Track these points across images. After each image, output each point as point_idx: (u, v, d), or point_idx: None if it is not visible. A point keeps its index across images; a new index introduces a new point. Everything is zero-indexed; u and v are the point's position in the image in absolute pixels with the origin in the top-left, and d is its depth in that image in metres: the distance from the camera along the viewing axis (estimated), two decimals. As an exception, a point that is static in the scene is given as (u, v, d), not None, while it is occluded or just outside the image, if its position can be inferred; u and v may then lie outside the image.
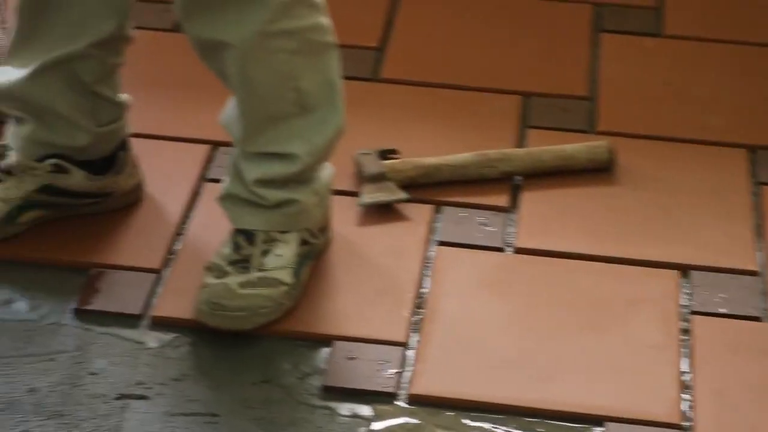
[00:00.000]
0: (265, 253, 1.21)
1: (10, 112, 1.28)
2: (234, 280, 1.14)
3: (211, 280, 1.18)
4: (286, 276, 1.19)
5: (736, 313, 1.19)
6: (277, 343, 1.14)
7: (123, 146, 1.26)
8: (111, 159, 1.25)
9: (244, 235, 1.22)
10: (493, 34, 1.73)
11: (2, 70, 1.27)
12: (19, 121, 1.26)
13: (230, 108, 1.19)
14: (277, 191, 1.19)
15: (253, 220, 1.20)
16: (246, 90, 1.15)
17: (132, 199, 1.30)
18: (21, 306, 1.19)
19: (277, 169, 1.19)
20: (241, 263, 1.20)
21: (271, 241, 1.22)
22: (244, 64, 1.12)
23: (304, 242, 1.23)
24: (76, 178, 1.23)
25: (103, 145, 1.26)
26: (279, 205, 1.18)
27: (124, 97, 1.27)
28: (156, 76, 1.60)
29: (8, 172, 1.25)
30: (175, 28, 1.45)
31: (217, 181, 1.30)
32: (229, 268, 1.17)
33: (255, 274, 1.19)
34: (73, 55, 1.23)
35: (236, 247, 1.21)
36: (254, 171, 1.21)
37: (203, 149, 1.42)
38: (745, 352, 1.13)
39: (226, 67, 1.14)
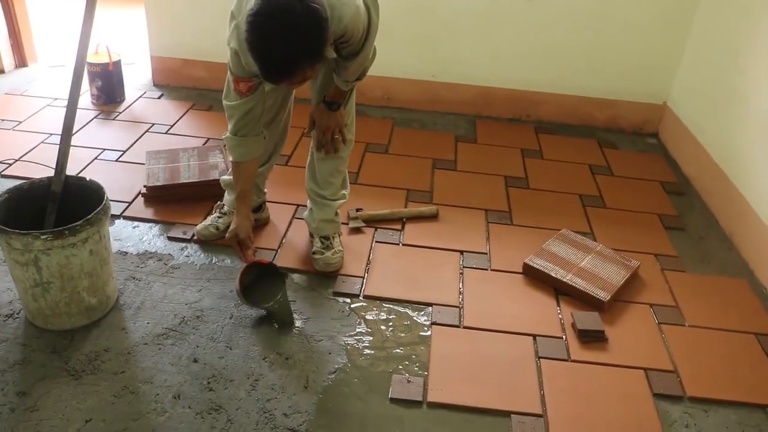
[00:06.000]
0: (333, 239, 2.51)
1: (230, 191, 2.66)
2: (329, 253, 2.45)
3: (318, 255, 2.45)
4: (341, 248, 2.53)
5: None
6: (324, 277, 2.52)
7: (264, 203, 2.76)
8: (260, 207, 2.74)
9: (324, 237, 2.50)
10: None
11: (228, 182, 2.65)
12: (230, 193, 2.68)
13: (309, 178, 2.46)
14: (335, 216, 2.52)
15: (329, 229, 2.52)
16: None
17: (266, 222, 2.79)
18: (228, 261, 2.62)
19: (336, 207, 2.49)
20: (328, 248, 2.47)
21: (333, 237, 2.52)
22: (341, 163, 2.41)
23: (339, 235, 2.57)
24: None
25: (258, 203, 2.71)
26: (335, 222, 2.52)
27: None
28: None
29: (225, 213, 2.69)
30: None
31: (300, 219, 2.71)
32: (323, 250, 2.46)
33: (335, 250, 2.48)
34: (260, 171, 2.56)
35: (321, 241, 2.49)
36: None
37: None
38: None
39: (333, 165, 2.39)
